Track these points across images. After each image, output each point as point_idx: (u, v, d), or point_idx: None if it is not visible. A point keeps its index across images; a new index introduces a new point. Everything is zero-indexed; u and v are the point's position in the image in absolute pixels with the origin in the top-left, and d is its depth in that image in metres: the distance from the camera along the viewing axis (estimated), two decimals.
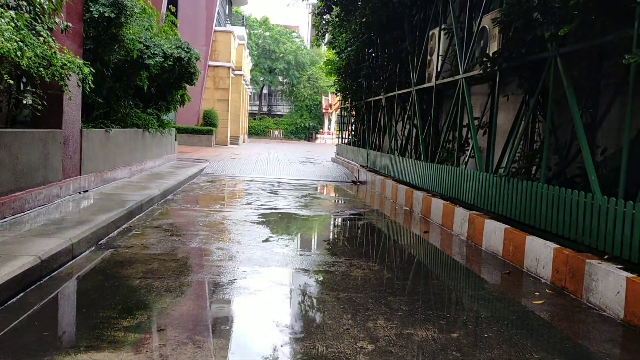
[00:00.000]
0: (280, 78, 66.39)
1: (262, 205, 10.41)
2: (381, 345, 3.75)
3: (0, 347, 3.44)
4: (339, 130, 25.09)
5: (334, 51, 21.55)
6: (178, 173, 13.94)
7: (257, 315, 4.35)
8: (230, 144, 34.98)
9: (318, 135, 59.53)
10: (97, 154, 10.03)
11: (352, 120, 21.89)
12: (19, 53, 5.58)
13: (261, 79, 65.24)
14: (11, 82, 5.84)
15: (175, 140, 18.66)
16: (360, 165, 17.43)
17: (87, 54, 9.48)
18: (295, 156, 26.46)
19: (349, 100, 20.87)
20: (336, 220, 9.47)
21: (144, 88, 13.33)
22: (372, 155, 15.90)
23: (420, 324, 4.23)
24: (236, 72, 36.97)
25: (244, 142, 42.81)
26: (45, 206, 7.46)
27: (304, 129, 63.54)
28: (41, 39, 6.56)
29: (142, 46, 11.73)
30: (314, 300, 4.80)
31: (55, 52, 7.33)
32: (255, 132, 62.28)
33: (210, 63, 32.76)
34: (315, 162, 22.86)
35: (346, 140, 23.38)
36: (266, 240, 7.06)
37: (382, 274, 5.76)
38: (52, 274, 5.03)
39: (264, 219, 8.83)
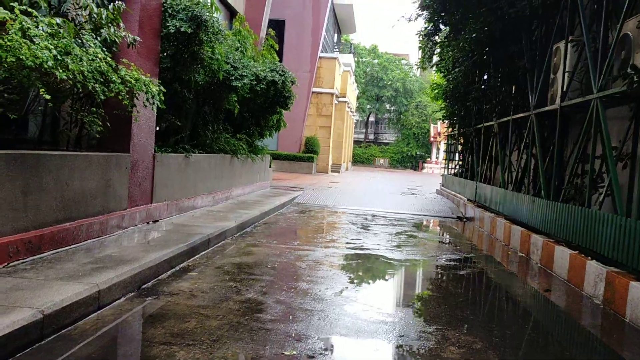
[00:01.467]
0: (387, 106, 65.45)
1: (347, 243, 9.11)
2: None
3: None
4: (446, 160, 23.28)
5: (441, 74, 20.01)
6: (265, 202, 13.06)
7: None
8: (332, 171, 34.19)
9: (425, 165, 57.42)
10: (174, 181, 9.32)
11: (460, 149, 20.08)
12: (50, 63, 4.79)
13: (368, 106, 64.64)
14: (47, 97, 5.08)
15: (270, 167, 17.98)
16: (468, 199, 15.60)
17: (164, 73, 8.86)
18: (396, 187, 24.94)
19: (457, 127, 19.14)
20: (433, 268, 7.91)
21: (234, 112, 12.70)
22: (481, 189, 14.07)
23: None
24: (340, 99, 36.35)
25: (346, 169, 41.95)
26: (98, 239, 6.70)
27: (411, 158, 61.74)
28: (91, 50, 5.81)
29: (229, 67, 11.04)
30: None
31: (116, 67, 6.64)
32: (360, 160, 61.44)
33: (314, 89, 32.36)
34: (417, 193, 21.21)
35: (453, 171, 21.53)
36: (339, 294, 5.73)
37: (486, 358, 4.20)
38: (62, 332, 4.05)
39: (344, 262, 7.52)
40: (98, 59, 5.91)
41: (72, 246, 6.13)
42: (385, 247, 8.99)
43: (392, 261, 7.91)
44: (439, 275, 7.41)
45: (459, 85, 16.31)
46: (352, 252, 8.40)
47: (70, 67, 5.32)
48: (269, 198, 14.23)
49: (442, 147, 55.99)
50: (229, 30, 13.04)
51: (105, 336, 4.13)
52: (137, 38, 7.15)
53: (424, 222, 13.59)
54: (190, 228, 8.18)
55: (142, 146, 8.06)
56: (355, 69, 52.23)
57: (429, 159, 58.83)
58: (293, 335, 4.37)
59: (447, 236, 11.54)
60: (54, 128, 7.40)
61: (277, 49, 18.10)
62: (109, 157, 7.11)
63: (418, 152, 61.41)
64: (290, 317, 4.84)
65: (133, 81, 6.88)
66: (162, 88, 7.61)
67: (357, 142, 63.11)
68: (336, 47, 45.07)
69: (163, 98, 7.71)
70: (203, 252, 7.36)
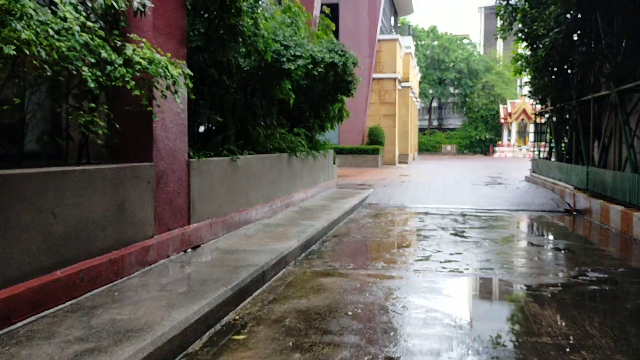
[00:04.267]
0: (451, 89, 61.88)
1: (446, 261, 6.85)
2: None
3: None
4: (535, 142, 20.34)
5: (523, 44, 17.19)
6: (332, 207, 10.96)
7: None
8: (399, 162, 31.71)
9: (496, 148, 53.61)
10: (219, 192, 7.37)
11: (551, 129, 17.19)
12: None
13: (430, 91, 61.33)
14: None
15: (334, 163, 15.86)
16: (575, 188, 12.90)
17: (195, 55, 6.88)
18: (475, 175, 22.25)
19: (549, 102, 16.32)
20: (581, 299, 5.51)
21: (289, 103, 10.65)
22: (596, 175, 11.39)
23: None
24: (403, 84, 33.73)
25: (413, 159, 39.32)
26: (109, 286, 4.78)
27: (479, 142, 58.01)
28: (67, 15, 3.87)
29: (278, 46, 8.99)
30: None
31: (121, 45, 4.74)
32: (426, 148, 58.38)
33: (375, 75, 29.96)
34: (504, 182, 18.51)
35: (544, 154, 18.67)
36: None
37: None
38: None
39: (455, 300, 5.27)
40: (75, 30, 3.95)
41: (66, 304, 4.22)
42: (501, 266, 6.67)
43: (517, 290, 5.58)
44: (598, 317, 5.00)
45: (553, 53, 13.54)
46: (458, 276, 6.15)
47: (24, 36, 3.37)
48: (336, 201, 12.12)
49: (515, 128, 52.12)
50: (277, 6, 11.00)
51: None
52: (148, 3, 5.18)
53: (529, 221, 11.08)
54: (239, 255, 6.18)
55: (170, 151, 6.12)
56: (414, 53, 49.29)
57: (499, 142, 54.88)
58: None
59: (568, 240, 9.02)
60: (53, 136, 5.57)
61: (334, 29, 15.93)
62: (121, 170, 5.18)
63: (487, 136, 57.55)
64: None
65: (144, 62, 4.92)
66: (188, 71, 5.64)
67: (421, 130, 59.95)
68: (394, 30, 42.39)
69: (191, 85, 5.74)
70: (256, 293, 5.33)
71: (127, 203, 5.26)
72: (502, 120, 53.37)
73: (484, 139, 57.61)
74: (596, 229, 9.98)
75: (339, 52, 11.90)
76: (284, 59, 9.05)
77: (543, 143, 19.33)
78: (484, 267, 6.57)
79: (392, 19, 43.67)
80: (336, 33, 23.58)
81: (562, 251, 7.95)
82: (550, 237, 9.39)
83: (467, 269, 6.52)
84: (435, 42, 60.52)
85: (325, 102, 13.00)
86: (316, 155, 12.67)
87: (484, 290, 5.71)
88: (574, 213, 11.93)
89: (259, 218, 8.88)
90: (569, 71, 12.89)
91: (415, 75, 42.17)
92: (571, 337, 4.22)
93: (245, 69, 8.77)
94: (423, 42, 60.45)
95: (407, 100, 34.46)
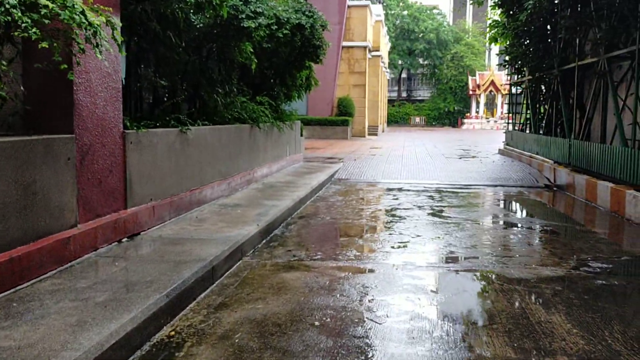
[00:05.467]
0: (420, 60, 60.93)
1: (427, 249, 5.99)
2: None
3: None
4: (510, 113, 19.65)
5: (499, 10, 16.30)
6: (299, 184, 9.99)
7: None
8: (369, 134, 30.83)
9: (465, 120, 53.27)
10: (164, 169, 6.30)
11: (528, 100, 16.46)
12: None
13: (399, 62, 60.30)
14: None
15: (302, 135, 14.81)
16: (555, 162, 12.21)
17: (133, 5, 5.72)
18: (448, 148, 21.52)
19: (526, 71, 15.54)
20: (590, 298, 4.70)
21: (251, 68, 9.52)
22: (580, 148, 10.67)
23: None
24: (374, 54, 32.65)
25: (383, 131, 38.53)
26: (3, 296, 3.73)
27: (448, 114, 57.54)
28: None
29: (236, 0, 7.83)
30: None
31: None
32: (395, 120, 57.68)
33: (344, 44, 28.79)
34: (478, 155, 17.79)
35: (519, 127, 18.00)
36: None
37: None
38: None
39: (439, 302, 4.39)
40: None
41: None
42: (490, 254, 5.85)
43: (521, 289, 4.73)
44: (624, 322, 4.18)
45: (534, 18, 12.65)
46: (443, 268, 5.30)
47: None
48: (302, 177, 11.15)
49: (483, 100, 51.79)
50: None
51: None
52: None
53: (509, 198, 10.32)
54: (185, 247, 5.17)
55: (99, 121, 5.01)
56: (384, 22, 48.05)
57: (468, 114, 54.56)
58: None
59: (556, 221, 8.28)
60: None
61: None
62: (27, 143, 4.08)
63: (456, 108, 57.05)
64: None
65: (53, 6, 3.80)
66: (116, 21, 4.51)
67: (390, 101, 59.02)
68: None
69: (121, 38, 4.63)
70: (202, 295, 4.35)
71: (37, 185, 4.17)
72: (470, 92, 53.01)
73: (453, 110, 57.16)
74: (582, 206, 9.28)
75: (307, 13, 10.84)
76: (243, 16, 7.90)
77: (510, 115, 18.67)
78: (471, 256, 5.73)
79: None
80: None
81: (554, 234, 7.17)
82: (536, 217, 8.62)
83: (451, 259, 5.67)
84: (405, 12, 59.30)
85: (292, 69, 11.93)
86: (281, 126, 11.63)
87: (475, 288, 4.85)
88: (554, 188, 11.25)
89: (215, 197, 7.85)
90: (550, 38, 12.06)
91: (385, 45, 41.12)
92: (593, 356, 3.38)
93: (197, 26, 7.64)
94: (393, 12, 59.14)
95: (377, 70, 33.46)
